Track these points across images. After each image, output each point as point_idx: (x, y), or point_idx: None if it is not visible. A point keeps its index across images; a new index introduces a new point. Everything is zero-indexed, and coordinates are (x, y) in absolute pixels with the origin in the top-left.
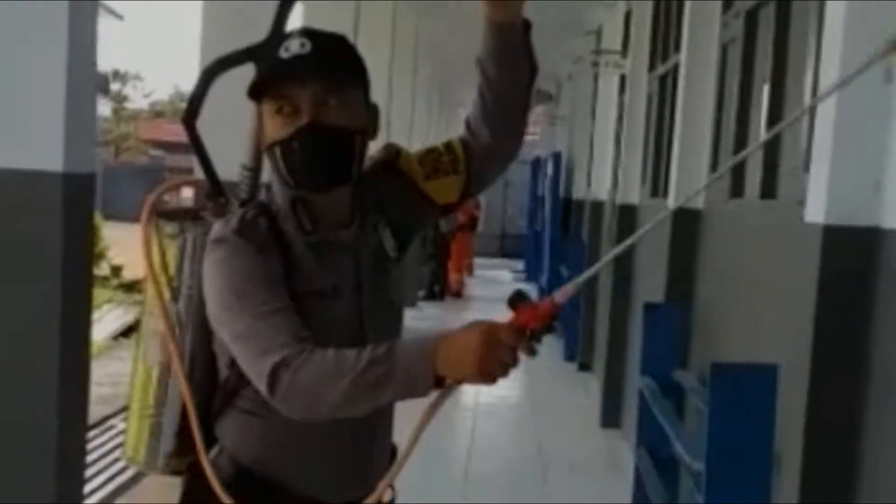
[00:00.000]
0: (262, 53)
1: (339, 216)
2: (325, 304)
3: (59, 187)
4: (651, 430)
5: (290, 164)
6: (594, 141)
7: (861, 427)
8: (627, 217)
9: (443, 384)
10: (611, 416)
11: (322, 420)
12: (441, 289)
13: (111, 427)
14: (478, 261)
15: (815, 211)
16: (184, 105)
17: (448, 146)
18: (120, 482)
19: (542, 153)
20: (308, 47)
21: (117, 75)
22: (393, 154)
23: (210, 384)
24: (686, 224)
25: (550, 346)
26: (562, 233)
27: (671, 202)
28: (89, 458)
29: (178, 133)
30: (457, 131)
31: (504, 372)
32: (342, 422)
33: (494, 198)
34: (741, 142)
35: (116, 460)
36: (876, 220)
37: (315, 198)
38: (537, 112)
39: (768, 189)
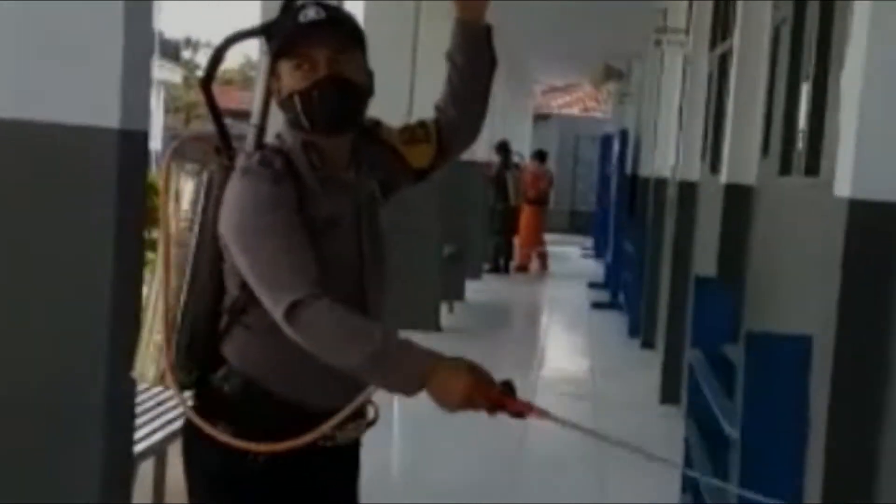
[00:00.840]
0: (273, 29)
1: (341, 159)
2: (330, 231)
3: (115, 143)
4: (700, 403)
5: (308, 110)
6: (659, 118)
7: (886, 395)
8: (687, 194)
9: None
10: (670, 393)
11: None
12: (506, 262)
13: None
14: (547, 236)
15: (843, 186)
16: (253, 74)
17: (421, 123)
18: (170, 430)
19: (611, 130)
20: (323, 14)
21: (189, 43)
22: (373, 124)
23: (217, 308)
24: (738, 200)
25: (615, 324)
26: (629, 210)
27: (723, 178)
28: (140, 408)
29: (246, 101)
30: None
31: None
32: None
33: (564, 174)
34: (791, 120)
35: (167, 410)
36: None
37: (324, 142)
38: (608, 89)
39: (812, 166)
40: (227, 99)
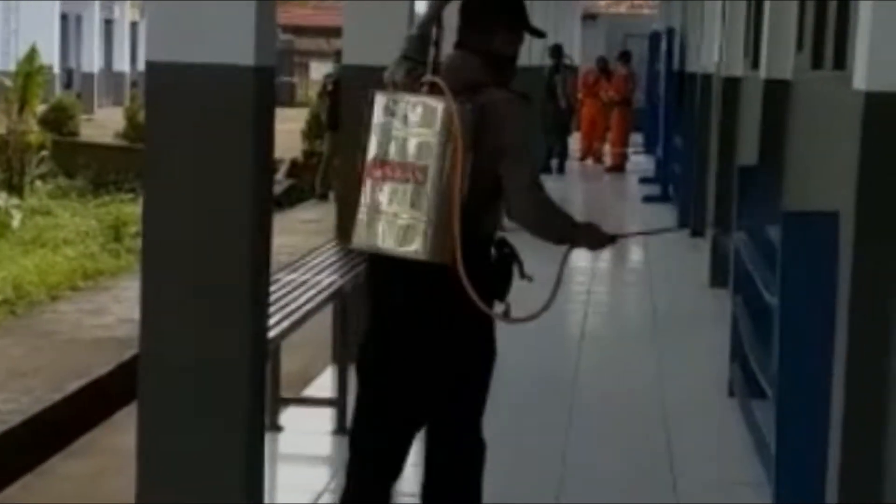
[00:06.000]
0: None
1: None
2: None
3: (251, 80)
4: (744, 279)
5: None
6: (704, 15)
7: None
8: (731, 89)
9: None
10: (718, 277)
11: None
12: (560, 163)
13: (277, 280)
14: None
15: (860, 79)
16: None
17: None
18: (292, 320)
19: (659, 28)
20: None
21: None
22: None
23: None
24: (776, 94)
25: (666, 215)
26: (677, 106)
27: (762, 74)
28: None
29: (307, 17)
30: None
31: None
32: None
33: None
34: (821, 16)
35: (285, 306)
36: None
37: None
38: None
39: (839, 60)
40: (286, 16)
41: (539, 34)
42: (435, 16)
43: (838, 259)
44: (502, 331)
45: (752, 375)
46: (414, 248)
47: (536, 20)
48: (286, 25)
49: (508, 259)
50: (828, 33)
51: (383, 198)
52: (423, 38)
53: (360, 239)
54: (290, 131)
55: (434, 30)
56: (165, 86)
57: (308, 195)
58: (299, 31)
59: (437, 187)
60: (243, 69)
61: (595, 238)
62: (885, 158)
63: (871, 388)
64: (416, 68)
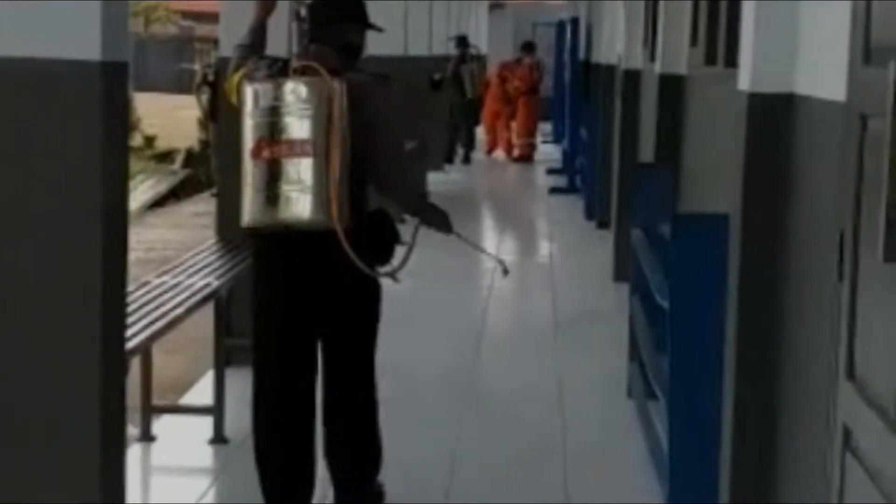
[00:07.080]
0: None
1: None
2: None
3: (98, 76)
4: (641, 279)
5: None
6: (607, 6)
7: (788, 264)
8: (631, 81)
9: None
10: (622, 271)
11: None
12: (466, 153)
13: (147, 283)
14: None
15: (744, 79)
16: None
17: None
18: (155, 329)
19: (565, 17)
20: None
21: None
22: None
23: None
24: (671, 88)
25: (573, 207)
26: (583, 97)
27: (658, 68)
28: (129, 310)
29: (207, 4)
30: None
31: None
32: None
33: None
34: (714, 10)
35: (152, 311)
36: (791, 87)
37: None
38: None
39: (731, 57)
40: (187, 2)
41: (378, 29)
42: (258, 27)
43: (727, 260)
44: (398, 326)
45: (649, 377)
46: (307, 216)
47: (443, 9)
48: (187, 11)
49: (387, 227)
50: (720, 29)
51: (273, 176)
52: (252, 47)
53: (252, 217)
54: (187, 118)
55: (295, 25)
56: (2, 82)
57: (205, 186)
58: (200, 17)
59: (323, 158)
60: (89, 65)
61: (441, 221)
62: (768, 161)
63: (761, 390)
64: (275, 63)
